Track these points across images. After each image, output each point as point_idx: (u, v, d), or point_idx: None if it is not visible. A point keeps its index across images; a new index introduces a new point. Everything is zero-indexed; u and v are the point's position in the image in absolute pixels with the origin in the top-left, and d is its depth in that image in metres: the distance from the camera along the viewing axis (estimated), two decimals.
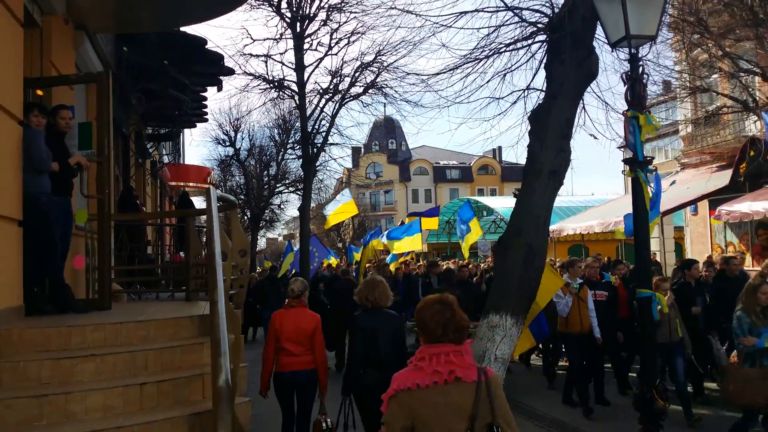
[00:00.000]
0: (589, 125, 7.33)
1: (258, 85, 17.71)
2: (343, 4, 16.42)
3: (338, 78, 17.26)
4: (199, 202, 20.48)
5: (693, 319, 9.02)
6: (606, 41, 5.78)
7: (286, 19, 16.71)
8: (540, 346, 11.36)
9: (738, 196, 15.61)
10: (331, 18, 16.75)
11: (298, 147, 23.41)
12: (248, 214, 30.91)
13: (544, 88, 6.89)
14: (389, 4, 15.20)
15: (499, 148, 62.20)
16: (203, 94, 14.82)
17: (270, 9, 16.62)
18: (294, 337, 6.16)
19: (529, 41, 7.02)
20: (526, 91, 7.24)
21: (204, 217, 8.84)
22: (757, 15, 12.18)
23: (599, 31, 6.45)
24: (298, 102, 17.57)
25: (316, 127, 17.65)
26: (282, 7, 16.59)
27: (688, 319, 8.82)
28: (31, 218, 5.69)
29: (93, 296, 7.10)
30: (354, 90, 17.34)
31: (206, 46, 11.55)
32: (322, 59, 17.36)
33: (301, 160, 18.89)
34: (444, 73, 7.48)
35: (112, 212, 7.00)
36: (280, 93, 18.17)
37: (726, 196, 16.13)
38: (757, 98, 14.28)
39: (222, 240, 5.39)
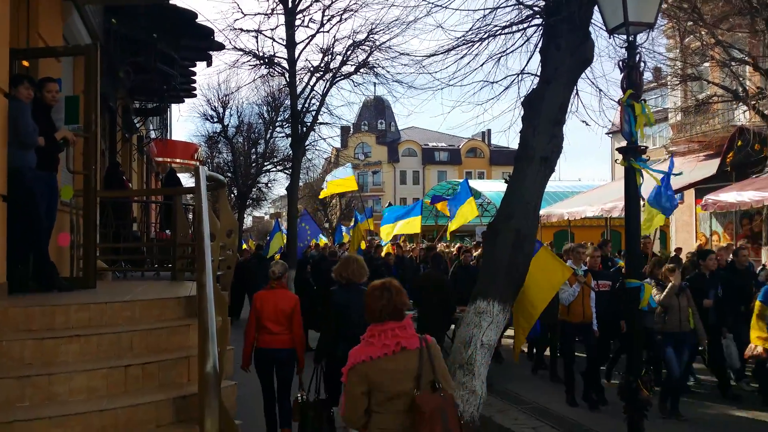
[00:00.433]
0: (582, 112, 7.28)
1: (248, 61, 17.47)
2: None
3: (329, 56, 17.07)
4: (185, 179, 20.31)
5: (705, 312, 8.82)
6: (602, 26, 5.73)
7: None
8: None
9: (724, 185, 15.68)
10: None
11: (287, 125, 23.22)
12: (235, 192, 30.72)
13: (538, 73, 6.82)
14: None
15: (488, 131, 62.07)
16: (192, 69, 14.62)
17: None
18: (274, 316, 6.55)
19: (525, 24, 6.95)
20: (520, 76, 7.17)
21: (190, 195, 8.76)
22: (751, 3, 12.14)
23: (595, 16, 6.40)
24: (288, 80, 17.37)
25: (306, 105, 17.48)
26: None
27: (701, 311, 8.65)
28: (15, 193, 5.58)
29: (77, 274, 7.01)
30: (345, 69, 17.17)
31: (196, 20, 11.35)
32: (313, 36, 17.13)
33: (289, 138, 18.73)
34: (438, 54, 7.39)
35: (99, 189, 6.89)
36: (271, 70, 17.94)
37: (712, 185, 16.21)
38: (747, 88, 14.28)
39: (210, 220, 5.32)
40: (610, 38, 5.76)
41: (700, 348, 8.95)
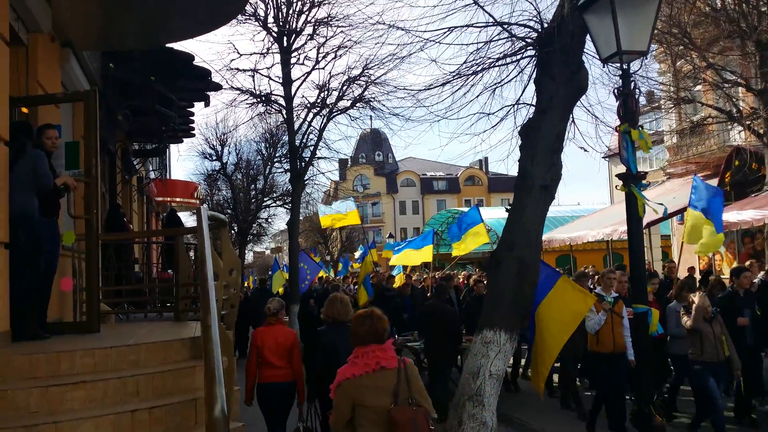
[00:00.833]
0: (579, 138, 7.31)
1: (245, 99, 17.65)
2: (329, 19, 16.43)
3: (325, 92, 17.23)
4: (185, 217, 20.34)
5: (740, 333, 8.30)
6: (595, 55, 5.80)
7: (273, 33, 16.68)
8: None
9: (724, 205, 15.67)
10: (317, 32, 16.75)
11: (285, 161, 23.34)
12: (235, 228, 30.75)
13: (533, 103, 6.87)
14: (376, 19, 15.17)
15: (486, 158, 62.43)
16: (190, 109, 14.75)
17: (256, 24, 16.59)
18: (275, 351, 6.75)
19: (518, 56, 7.01)
20: (515, 106, 7.22)
21: (191, 234, 8.75)
22: (740, 26, 12.31)
23: (588, 44, 6.47)
24: (285, 116, 17.51)
25: (304, 141, 17.59)
26: (268, 21, 16.57)
27: (736, 332, 8.16)
28: (23, 240, 5.59)
29: (81, 318, 6.99)
30: (342, 104, 17.32)
31: (193, 62, 11.50)
32: (309, 73, 17.32)
33: (288, 173, 18.81)
34: (433, 88, 7.45)
35: (100, 232, 6.90)
36: (268, 107, 18.11)
37: None
38: (741, 108, 14.40)
39: (213, 260, 5.32)
40: (603, 67, 5.82)
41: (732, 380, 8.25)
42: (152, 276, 12.86)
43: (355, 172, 65.49)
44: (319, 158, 18.42)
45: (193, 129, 16.34)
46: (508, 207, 6.96)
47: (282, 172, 29.29)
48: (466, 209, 41.70)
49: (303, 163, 17.52)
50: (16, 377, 4.62)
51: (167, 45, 10.32)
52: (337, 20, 16.29)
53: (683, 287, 8.69)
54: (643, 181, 5.19)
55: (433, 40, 6.94)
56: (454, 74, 7.07)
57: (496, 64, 6.94)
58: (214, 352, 4.02)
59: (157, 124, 12.72)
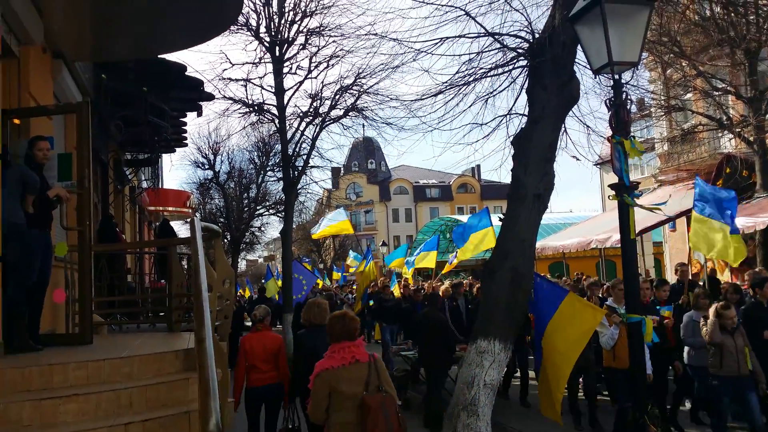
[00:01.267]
0: (571, 147, 7.36)
1: (238, 109, 17.64)
2: (321, 29, 16.46)
3: (318, 101, 17.25)
4: (178, 226, 20.29)
5: (764, 345, 7.83)
6: (587, 65, 5.84)
7: (265, 43, 16.70)
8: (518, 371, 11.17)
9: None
10: (310, 42, 16.78)
11: (278, 169, 23.34)
12: (228, 237, 30.67)
13: (526, 113, 6.91)
14: (368, 29, 15.22)
15: (478, 166, 62.52)
16: (183, 119, 14.74)
17: (249, 34, 16.60)
18: (263, 356, 7.08)
19: (510, 66, 7.06)
20: (508, 116, 7.26)
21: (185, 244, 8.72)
22: (729, 35, 12.41)
23: (580, 53, 6.51)
24: (278, 125, 17.51)
25: (297, 150, 17.59)
26: (261, 31, 16.59)
27: (760, 344, 7.76)
28: (14, 249, 5.56)
29: (73, 330, 6.96)
30: (334, 113, 17.34)
31: (186, 72, 11.50)
32: (301, 83, 17.36)
33: (281, 182, 18.80)
34: (426, 98, 7.49)
35: (92, 243, 6.87)
36: (260, 117, 18.10)
37: None
38: (731, 116, 14.50)
39: (207, 272, 5.30)
40: (595, 77, 5.86)
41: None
42: (145, 286, 12.80)
43: (348, 180, 65.47)
44: (311, 167, 18.41)
45: (186, 139, 16.31)
46: (501, 216, 6.99)
47: (275, 181, 29.31)
48: (459, 217, 41.78)
49: (296, 172, 17.51)
50: (9, 390, 4.60)
51: (159, 55, 10.31)
52: (329, 30, 16.33)
53: (699, 295, 8.39)
54: (636, 191, 5.20)
55: (425, 51, 6.98)
56: (446, 84, 7.12)
57: (488, 74, 6.98)
58: (208, 365, 4.00)
59: (149, 134, 12.71)
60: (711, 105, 15.19)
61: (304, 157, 17.66)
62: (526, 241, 6.60)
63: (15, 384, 4.65)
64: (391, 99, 16.18)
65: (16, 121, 6.90)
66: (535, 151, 6.52)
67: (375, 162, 72.64)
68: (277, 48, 16.61)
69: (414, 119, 8.05)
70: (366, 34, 15.62)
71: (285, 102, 17.06)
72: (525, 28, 6.83)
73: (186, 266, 10.20)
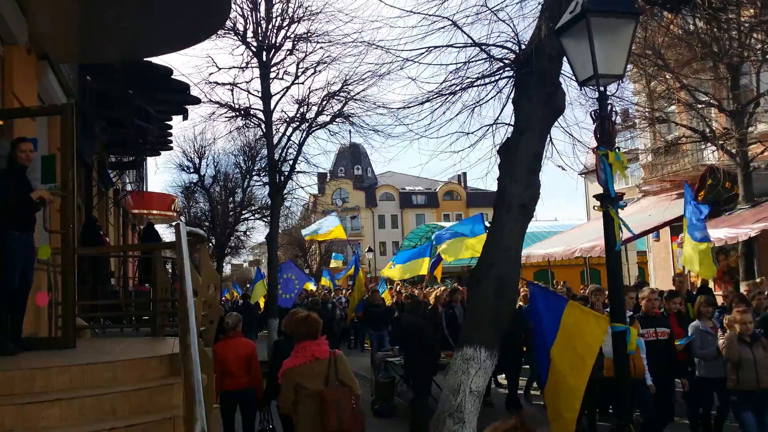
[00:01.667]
0: (557, 157, 7.42)
1: (224, 113, 17.62)
2: (309, 35, 16.49)
3: (305, 107, 17.26)
4: (163, 229, 20.17)
5: None
6: (572, 75, 5.89)
7: (252, 48, 16.70)
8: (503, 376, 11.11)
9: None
10: (297, 48, 16.80)
11: (264, 174, 23.28)
12: (213, 241, 30.53)
13: (512, 122, 6.97)
14: (355, 37, 15.27)
15: (464, 174, 62.73)
16: (168, 122, 14.68)
17: (236, 38, 16.61)
18: (236, 363, 7.36)
19: (497, 77, 7.12)
20: (494, 126, 7.32)
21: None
22: (712, 49, 12.58)
23: (565, 65, 6.58)
24: (264, 130, 17.49)
25: (283, 155, 17.58)
26: (248, 36, 16.60)
27: None
28: None
29: (56, 333, 6.89)
30: (321, 119, 17.36)
31: (172, 76, 11.46)
32: (288, 88, 17.35)
33: (267, 187, 18.77)
34: (413, 106, 7.53)
35: (76, 246, 6.82)
36: (247, 121, 18.08)
37: None
38: (714, 128, 14.68)
39: (192, 277, 5.28)
40: (580, 88, 5.92)
41: None
42: (129, 290, 12.72)
43: (334, 186, 65.44)
44: (298, 172, 18.41)
45: (171, 142, 16.25)
46: (487, 224, 7.03)
47: (261, 186, 29.23)
48: (444, 224, 41.82)
49: (282, 177, 17.49)
50: None
51: (146, 59, 10.28)
52: (316, 36, 16.36)
53: (702, 303, 8.08)
54: (621, 202, 5.25)
55: (412, 60, 7.02)
56: (433, 93, 7.16)
57: (475, 84, 7.04)
58: (194, 372, 3.98)
59: (134, 136, 12.66)
60: (694, 117, 15.39)
61: (291, 162, 17.66)
62: (512, 250, 6.64)
63: None
64: (378, 106, 16.24)
65: None
66: (520, 161, 6.57)
67: (361, 168, 72.64)
68: (264, 53, 16.61)
69: (401, 127, 8.10)
70: (353, 42, 15.68)
71: (272, 107, 17.06)
72: (511, 39, 6.90)
73: (170, 270, 10.16)
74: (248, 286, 22.69)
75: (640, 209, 20.17)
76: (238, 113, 17.53)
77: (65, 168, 6.39)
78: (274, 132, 17.37)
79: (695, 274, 10.23)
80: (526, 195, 6.60)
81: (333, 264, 38.19)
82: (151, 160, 19.74)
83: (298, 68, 16.91)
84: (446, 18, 6.86)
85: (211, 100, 17.06)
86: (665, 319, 8.07)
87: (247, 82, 20.41)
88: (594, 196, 5.35)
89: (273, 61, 16.75)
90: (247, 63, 16.89)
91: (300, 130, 17.45)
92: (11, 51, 7.19)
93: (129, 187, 19.52)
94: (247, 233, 36.09)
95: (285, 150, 17.50)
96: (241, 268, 77.31)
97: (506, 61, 6.91)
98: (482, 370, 6.35)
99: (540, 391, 9.88)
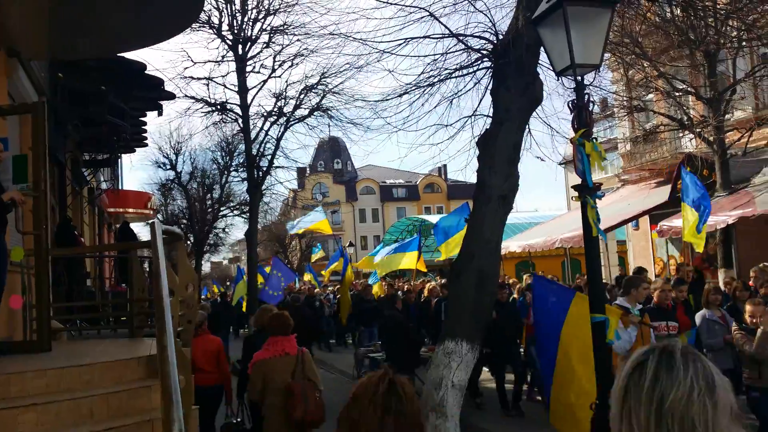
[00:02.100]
0: (535, 148, 7.41)
1: (200, 108, 17.45)
2: (285, 27, 16.36)
3: (283, 100, 17.14)
4: (139, 228, 19.93)
5: None
6: (550, 67, 5.87)
7: (228, 41, 16.55)
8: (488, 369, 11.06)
9: (678, 211, 16.01)
10: (273, 40, 16.67)
11: (242, 170, 23.12)
12: (192, 238, 30.26)
13: (490, 114, 6.93)
14: (333, 28, 15.16)
15: (445, 166, 62.76)
16: (143, 119, 14.48)
17: (211, 31, 16.44)
18: (203, 359, 7.45)
19: (475, 68, 7.07)
20: (472, 117, 7.28)
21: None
22: (689, 37, 12.63)
23: (543, 55, 6.55)
24: (242, 125, 17.35)
25: (261, 150, 17.45)
26: (223, 29, 16.45)
27: None
28: None
29: (31, 337, 6.75)
30: (299, 112, 17.25)
31: (146, 71, 11.28)
32: (265, 82, 17.26)
33: (245, 183, 18.63)
34: (391, 98, 7.47)
35: (50, 247, 6.68)
36: (223, 116, 17.92)
37: (666, 211, 16.57)
38: (692, 116, 14.77)
39: (168, 277, 5.19)
40: (558, 78, 5.90)
41: None
42: (105, 290, 12.54)
43: (314, 181, 65.17)
44: (276, 167, 18.28)
45: (146, 138, 16.05)
46: (466, 217, 7.00)
47: (239, 182, 29.01)
48: (426, 216, 41.82)
49: (260, 173, 17.37)
50: None
51: (119, 54, 10.10)
52: (293, 28, 16.23)
53: (710, 291, 7.80)
54: (599, 192, 5.23)
55: (390, 52, 6.96)
56: (411, 85, 7.11)
57: (453, 75, 7.00)
58: (170, 373, 3.90)
59: (108, 134, 12.47)
60: (672, 105, 15.46)
61: (269, 157, 17.53)
62: (492, 242, 6.63)
63: None
64: (356, 99, 16.16)
65: None
66: (499, 152, 6.55)
67: (341, 162, 72.43)
68: (240, 46, 16.48)
69: (380, 119, 8.04)
70: (330, 34, 15.55)
71: (249, 101, 16.96)
72: (489, 30, 6.86)
73: (148, 270, 10.02)
74: (228, 283, 22.50)
75: (620, 198, 20.28)
76: (214, 108, 17.40)
77: (37, 168, 6.24)
78: (251, 127, 17.25)
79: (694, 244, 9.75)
80: (505, 186, 6.58)
81: (315, 257, 37.99)
82: (126, 158, 19.52)
83: (274, 61, 16.84)
84: (423, 9, 6.82)
85: (186, 95, 16.93)
86: (675, 312, 7.64)
87: (223, 76, 20.22)
88: (572, 187, 5.33)
89: (249, 55, 16.64)
90: (223, 56, 16.81)
91: (278, 125, 17.37)
92: None
93: (104, 186, 19.27)
94: (226, 230, 35.93)
95: (263, 145, 17.39)
96: (221, 265, 76.86)
97: (484, 52, 6.87)
98: (464, 364, 6.33)
99: (538, 389, 9.84)
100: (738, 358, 6.88)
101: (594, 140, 5.05)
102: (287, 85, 17.36)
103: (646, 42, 13.36)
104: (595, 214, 5.09)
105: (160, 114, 13.77)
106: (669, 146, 18.21)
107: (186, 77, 16.77)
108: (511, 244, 20.46)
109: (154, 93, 12.60)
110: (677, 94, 14.62)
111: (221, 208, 30.93)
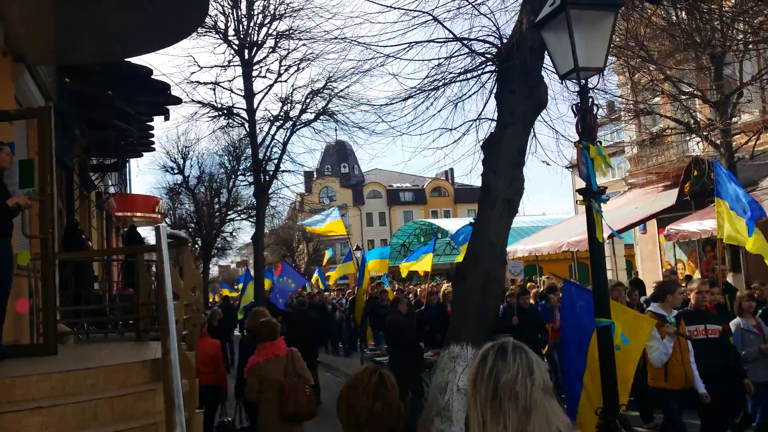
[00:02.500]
0: (541, 152, 7.39)
1: (207, 112, 17.51)
2: (291, 32, 16.40)
3: (289, 105, 17.18)
4: (146, 232, 19.99)
5: None
6: (554, 70, 5.85)
7: (234, 46, 16.59)
8: None
9: (685, 215, 15.97)
10: (279, 45, 16.72)
11: (249, 174, 23.16)
12: (199, 242, 30.32)
13: (495, 117, 6.92)
14: (338, 33, 15.21)
15: (451, 170, 62.74)
16: (150, 123, 14.54)
17: (217, 36, 16.49)
18: (202, 360, 7.60)
19: (479, 71, 7.07)
20: (477, 121, 7.27)
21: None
22: (694, 40, 12.60)
23: (548, 59, 6.53)
24: (248, 129, 17.40)
25: (268, 154, 17.49)
26: (229, 34, 16.50)
27: None
28: None
29: (38, 340, 6.79)
30: (305, 117, 17.29)
31: (152, 76, 11.33)
32: (271, 86, 17.28)
33: (253, 187, 18.67)
34: (396, 102, 7.47)
35: (57, 251, 6.72)
36: (230, 120, 17.98)
37: (673, 214, 16.51)
38: (699, 120, 14.72)
39: (173, 280, 5.20)
40: (562, 82, 5.89)
41: None
42: (113, 294, 12.59)
43: (321, 185, 65.29)
44: (283, 171, 18.32)
45: (153, 143, 16.11)
46: (473, 220, 6.98)
47: (246, 186, 29.06)
48: (433, 220, 41.76)
49: (267, 177, 17.40)
50: None
51: (125, 59, 10.15)
52: (299, 33, 16.27)
53: (743, 298, 7.38)
54: (603, 196, 5.21)
55: (394, 56, 6.96)
56: (416, 89, 7.11)
57: (457, 79, 6.99)
58: (173, 377, 3.92)
59: (115, 138, 12.51)
60: (678, 109, 15.41)
61: (276, 161, 17.56)
62: (497, 245, 6.60)
63: None
64: (362, 103, 16.19)
65: None
66: (504, 155, 6.53)
67: (348, 166, 72.45)
68: (246, 51, 16.52)
69: (385, 124, 8.04)
70: (335, 38, 15.61)
71: (255, 105, 16.98)
72: (493, 33, 6.85)
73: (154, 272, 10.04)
74: (235, 287, 22.47)
75: (627, 202, 20.21)
76: (221, 112, 17.44)
77: (43, 172, 6.28)
78: (258, 131, 17.30)
79: (750, 250, 9.04)
80: (510, 190, 6.55)
81: (326, 259, 37.93)
82: (133, 162, 19.61)
83: (280, 66, 16.88)
84: (427, 13, 6.81)
85: (193, 100, 17.00)
86: (716, 315, 7.19)
87: (229, 81, 20.31)
88: (577, 191, 5.31)
89: (255, 59, 16.69)
90: (229, 61, 16.83)
91: (284, 129, 17.41)
92: None
93: (112, 190, 19.34)
94: (234, 234, 35.95)
95: (269, 149, 17.43)
96: (229, 269, 76.96)
97: (488, 56, 6.86)
98: (469, 368, 6.29)
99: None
100: None
101: (598, 144, 5.04)
102: (293, 90, 17.45)
103: (651, 45, 13.33)
104: (600, 218, 5.07)
105: (166, 118, 13.83)
106: (676, 149, 18.14)
107: (192, 82, 16.88)
108: (517, 248, 20.41)
109: (160, 97, 12.65)
110: (683, 97, 14.57)
111: (229, 212, 30.98)
